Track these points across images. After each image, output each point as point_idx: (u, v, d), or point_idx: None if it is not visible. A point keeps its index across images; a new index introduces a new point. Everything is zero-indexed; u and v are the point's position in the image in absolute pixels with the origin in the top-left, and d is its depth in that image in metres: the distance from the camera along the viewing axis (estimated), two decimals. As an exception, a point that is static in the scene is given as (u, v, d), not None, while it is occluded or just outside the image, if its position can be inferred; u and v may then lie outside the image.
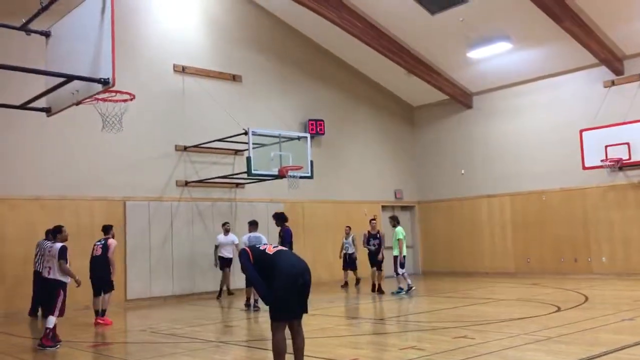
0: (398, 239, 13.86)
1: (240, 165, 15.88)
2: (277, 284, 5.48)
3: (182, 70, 16.12)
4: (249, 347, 8.21)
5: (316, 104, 18.86)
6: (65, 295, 8.69)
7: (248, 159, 13.63)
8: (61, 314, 8.62)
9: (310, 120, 18.40)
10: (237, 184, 16.60)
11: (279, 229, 13.21)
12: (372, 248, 14.94)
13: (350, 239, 16.31)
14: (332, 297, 13.49)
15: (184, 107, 15.95)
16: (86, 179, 14.11)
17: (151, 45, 15.77)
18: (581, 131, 16.32)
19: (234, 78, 17.13)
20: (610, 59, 16.33)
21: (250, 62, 17.56)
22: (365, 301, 13.39)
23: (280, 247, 5.93)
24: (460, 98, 19.93)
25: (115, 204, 14.56)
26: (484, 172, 19.57)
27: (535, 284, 14.51)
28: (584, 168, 16.24)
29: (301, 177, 14.48)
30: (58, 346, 8.37)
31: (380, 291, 14.21)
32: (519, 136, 18.71)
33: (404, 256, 13.85)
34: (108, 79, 6.45)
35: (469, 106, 20.13)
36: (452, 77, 19.38)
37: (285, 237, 12.98)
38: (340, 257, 16.37)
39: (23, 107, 7.46)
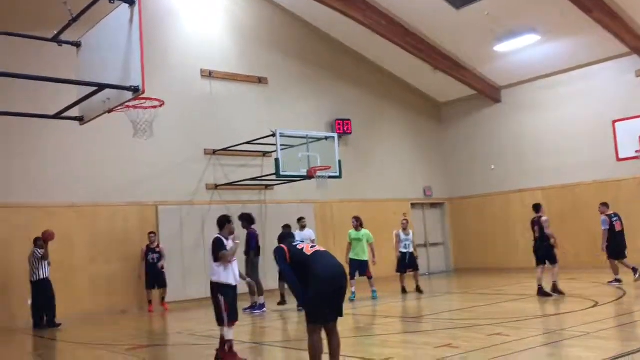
0: (370, 242, 13.39)
1: (268, 167, 15.97)
2: (313, 287, 5.48)
3: (209, 74, 16.29)
4: (283, 347, 8.26)
5: (343, 103, 18.86)
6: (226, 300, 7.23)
7: (276, 161, 13.71)
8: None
9: (337, 119, 18.41)
10: (266, 186, 16.70)
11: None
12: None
13: (410, 235, 14.34)
14: (362, 296, 13.47)
15: (212, 111, 16.12)
16: (119, 185, 14.37)
17: (178, 51, 15.99)
18: (614, 122, 15.99)
19: (260, 81, 17.24)
20: (642, 47, 15.97)
21: (276, 65, 17.65)
22: (396, 300, 13.34)
23: (317, 248, 5.83)
24: (488, 92, 19.71)
25: (148, 208, 14.80)
26: (515, 166, 19.31)
27: (571, 279, 14.25)
28: (618, 159, 15.92)
29: (330, 177, 14.50)
30: None
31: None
32: (550, 129, 18.42)
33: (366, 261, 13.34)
34: (138, 86, 6.57)
35: (497, 100, 19.90)
36: (479, 72, 19.18)
37: (250, 242, 12.40)
38: (396, 257, 14.20)
39: (57, 116, 7.63)
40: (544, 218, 12.26)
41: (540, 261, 12.01)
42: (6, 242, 12.42)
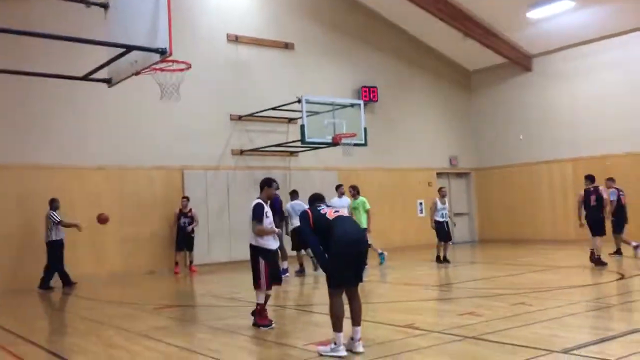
0: (367, 210, 12.94)
1: (294, 133, 15.94)
2: (333, 251, 5.54)
3: (236, 39, 16.21)
4: (302, 310, 8.36)
5: (369, 70, 18.64)
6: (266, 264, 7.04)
7: (302, 127, 13.67)
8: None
9: (363, 87, 18.23)
10: (292, 153, 16.70)
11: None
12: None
13: (446, 204, 13.99)
14: (387, 264, 13.51)
15: (238, 76, 16.08)
16: (145, 149, 14.52)
17: (205, 15, 15.91)
18: (649, 92, 15.52)
19: (287, 46, 17.10)
20: (682, 15, 15.39)
21: (302, 30, 17.47)
22: (422, 268, 13.36)
23: (340, 213, 5.84)
24: (519, 61, 19.26)
25: (174, 173, 14.95)
26: (544, 137, 18.97)
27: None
28: (652, 131, 15.49)
29: (355, 145, 14.43)
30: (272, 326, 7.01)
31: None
32: (582, 99, 17.98)
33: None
34: (165, 48, 6.57)
35: (528, 69, 19.45)
36: (510, 39, 18.72)
37: (274, 207, 12.47)
38: (432, 227, 13.86)
39: (85, 78, 7.69)
40: (602, 187, 12.32)
41: (598, 231, 11.89)
42: (36, 203, 12.66)
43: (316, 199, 6.24)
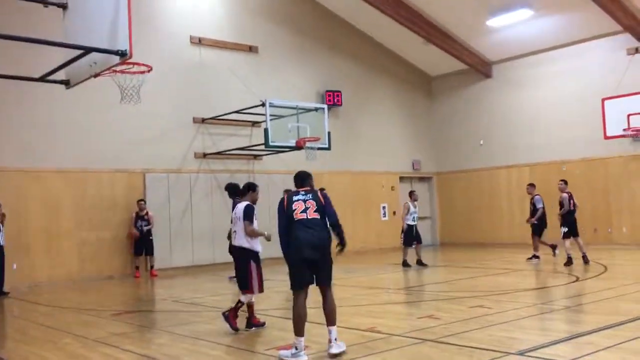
0: None
1: (257, 137, 15.91)
2: (291, 252, 5.64)
3: (199, 41, 16.08)
4: (268, 315, 8.32)
5: (333, 74, 18.73)
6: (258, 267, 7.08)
7: (265, 131, 13.64)
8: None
9: (327, 91, 18.31)
10: (255, 156, 16.65)
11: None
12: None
13: (417, 207, 14.00)
14: (349, 268, 13.58)
15: (201, 79, 15.96)
16: (107, 152, 14.27)
17: (167, 17, 15.75)
18: (603, 100, 16.02)
19: (251, 49, 17.05)
20: (634, 26, 15.93)
21: (266, 33, 17.45)
22: (383, 272, 13.47)
23: (305, 216, 5.69)
24: (479, 67, 19.65)
25: (136, 176, 14.73)
26: (503, 142, 19.38)
27: (553, 254, 14.44)
28: (606, 137, 15.98)
29: (319, 149, 14.48)
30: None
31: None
32: (540, 105, 18.45)
33: None
34: (125, 50, 6.45)
35: (488, 75, 19.86)
36: (471, 46, 19.08)
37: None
38: (403, 230, 13.79)
39: (42, 79, 7.49)
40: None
41: (572, 233, 12.58)
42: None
43: (302, 178, 6.05)
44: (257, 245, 7.08)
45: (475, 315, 7.28)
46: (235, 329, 6.90)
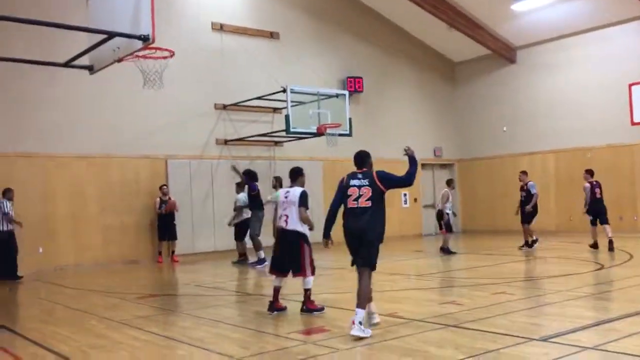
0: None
1: (278, 123, 15.92)
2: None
3: (220, 28, 16.10)
4: (288, 300, 8.38)
5: (355, 61, 18.62)
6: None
7: (286, 117, 13.64)
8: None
9: (348, 77, 18.23)
10: (276, 142, 16.67)
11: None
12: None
13: None
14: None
15: (223, 65, 15.99)
16: (130, 137, 14.41)
17: (189, 2, 15.77)
18: (630, 85, 15.68)
19: (272, 35, 17.02)
20: (664, 9, 15.56)
21: (288, 19, 17.39)
22: (405, 259, 13.45)
23: (358, 205, 5.98)
24: (503, 52, 19.38)
25: (158, 162, 14.86)
26: (527, 128, 19.13)
27: (577, 242, 14.28)
28: (633, 124, 15.64)
29: (340, 135, 14.44)
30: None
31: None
32: (565, 91, 18.15)
33: None
34: (148, 35, 6.51)
35: (512, 61, 19.57)
36: (495, 31, 18.81)
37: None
38: (445, 219, 13.52)
39: (67, 64, 7.60)
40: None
41: (596, 222, 12.90)
42: (19, 192, 12.49)
43: (362, 158, 6.43)
44: (306, 228, 7.20)
45: (498, 301, 7.24)
46: (321, 309, 6.97)
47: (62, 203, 13.42)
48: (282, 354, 5.20)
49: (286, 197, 7.22)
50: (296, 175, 7.47)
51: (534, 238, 13.61)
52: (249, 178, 12.70)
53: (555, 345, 5.09)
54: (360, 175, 6.15)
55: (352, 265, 6.12)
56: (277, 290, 7.16)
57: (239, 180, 13.37)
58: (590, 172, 13.30)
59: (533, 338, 5.32)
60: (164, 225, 14.21)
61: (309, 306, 7.00)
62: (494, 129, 20.04)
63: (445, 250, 13.48)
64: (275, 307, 7.11)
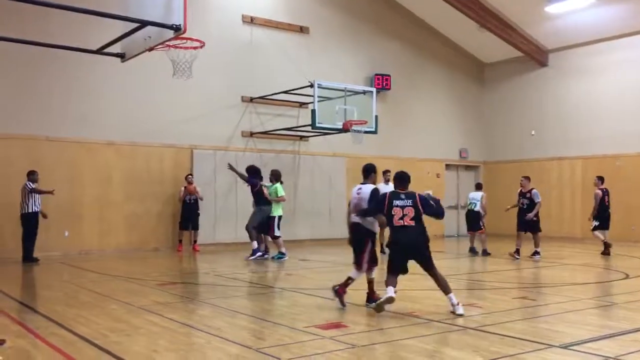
0: (280, 196, 12.50)
1: (304, 118, 15.94)
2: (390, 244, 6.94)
3: (251, 20, 16.16)
4: (307, 294, 8.40)
5: (383, 58, 18.54)
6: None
7: (313, 112, 13.65)
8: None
9: (376, 74, 18.15)
10: (301, 137, 16.69)
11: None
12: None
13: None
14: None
15: (251, 58, 16.05)
16: (156, 126, 14.57)
17: (221, -6, 15.85)
18: (665, 93, 15.38)
19: (302, 30, 17.03)
20: None
21: (318, 14, 17.38)
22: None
23: (408, 224, 6.67)
24: (535, 55, 19.10)
25: (184, 151, 15.00)
26: (556, 133, 18.85)
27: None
28: (666, 133, 15.36)
29: (365, 132, 14.41)
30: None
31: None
32: (597, 97, 17.84)
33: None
34: (180, 25, 6.57)
35: (544, 64, 19.29)
36: (527, 33, 18.55)
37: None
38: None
39: (99, 51, 7.71)
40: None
41: (601, 227, 13.29)
42: (45, 174, 12.71)
43: (402, 180, 7.01)
44: (376, 226, 7.27)
45: (519, 306, 7.16)
46: (343, 304, 6.95)
47: (89, 188, 13.64)
48: (299, 347, 5.21)
49: (358, 194, 7.31)
50: (368, 172, 7.51)
51: (517, 248, 13.05)
52: (250, 174, 12.67)
53: (576, 353, 5.01)
54: (403, 196, 6.77)
55: (396, 272, 6.80)
56: (370, 282, 7.22)
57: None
58: (601, 179, 13.37)
59: (553, 345, 5.24)
60: (189, 214, 14.33)
61: (372, 297, 7.09)
62: (521, 132, 19.79)
63: (485, 252, 13.50)
64: (372, 298, 7.11)
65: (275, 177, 12.81)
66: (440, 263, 12.61)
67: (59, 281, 9.96)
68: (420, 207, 6.69)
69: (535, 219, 12.94)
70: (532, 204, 12.94)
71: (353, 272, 7.15)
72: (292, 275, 10.56)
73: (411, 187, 7.04)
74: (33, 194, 11.96)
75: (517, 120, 19.97)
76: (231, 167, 13.15)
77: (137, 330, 5.92)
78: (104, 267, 11.39)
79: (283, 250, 12.53)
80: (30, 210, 11.98)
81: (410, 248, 6.76)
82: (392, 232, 6.82)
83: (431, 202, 6.81)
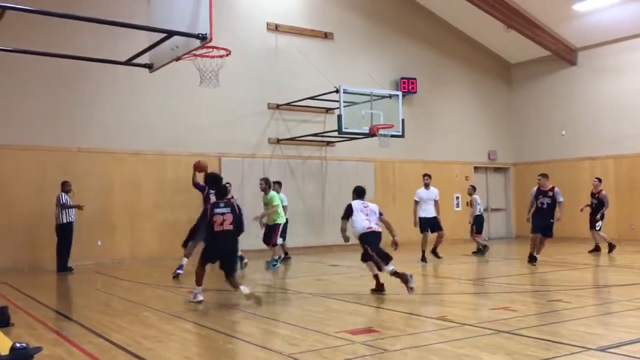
0: (284, 205, 12.69)
1: (331, 123, 15.95)
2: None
3: (275, 28, 16.26)
4: (337, 300, 8.38)
5: (409, 61, 18.46)
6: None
7: (339, 117, 13.65)
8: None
9: (402, 78, 18.08)
10: (328, 143, 16.71)
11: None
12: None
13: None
14: (418, 257, 13.42)
15: (277, 65, 16.14)
16: (184, 135, 14.73)
17: (245, 2, 16.01)
18: (699, 89, 14.98)
19: (326, 36, 17.07)
20: None
21: (342, 20, 17.41)
22: (454, 262, 13.23)
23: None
24: (563, 54, 18.81)
25: (211, 159, 15.10)
26: (587, 133, 18.51)
27: (637, 251, 13.71)
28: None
29: (392, 136, 14.35)
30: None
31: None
32: (628, 95, 17.47)
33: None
34: (206, 34, 6.65)
35: (572, 63, 18.97)
36: (555, 32, 18.27)
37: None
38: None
39: (127, 62, 7.83)
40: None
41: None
42: (75, 186, 12.91)
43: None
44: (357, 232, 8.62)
45: (553, 309, 7.02)
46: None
47: (119, 198, 13.85)
48: (331, 353, 5.19)
49: (368, 209, 8.71)
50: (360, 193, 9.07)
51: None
52: (208, 182, 11.46)
53: (614, 356, 4.88)
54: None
55: None
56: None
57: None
58: (599, 180, 14.29)
59: (590, 348, 5.12)
60: None
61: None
62: (551, 132, 19.48)
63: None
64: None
65: (268, 185, 12.58)
66: (465, 266, 12.58)
67: (93, 290, 10.12)
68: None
69: (552, 220, 11.77)
70: (553, 204, 11.68)
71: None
72: (322, 281, 10.54)
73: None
74: (63, 208, 12.16)
75: (546, 120, 19.67)
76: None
77: (170, 336, 5.98)
78: (136, 275, 11.54)
79: (276, 257, 12.38)
80: (65, 221, 12.20)
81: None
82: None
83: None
